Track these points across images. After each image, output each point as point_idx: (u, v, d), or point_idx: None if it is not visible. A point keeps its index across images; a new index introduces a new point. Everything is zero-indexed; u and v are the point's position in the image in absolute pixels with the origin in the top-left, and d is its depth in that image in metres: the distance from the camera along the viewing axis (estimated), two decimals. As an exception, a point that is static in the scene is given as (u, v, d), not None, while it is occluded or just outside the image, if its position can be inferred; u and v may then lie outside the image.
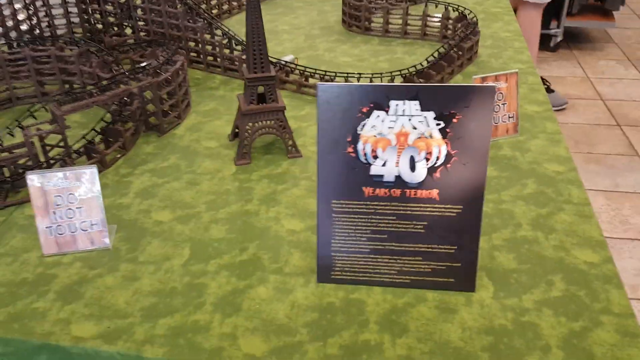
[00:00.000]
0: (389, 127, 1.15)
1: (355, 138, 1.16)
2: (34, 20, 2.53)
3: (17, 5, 2.45)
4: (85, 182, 1.38)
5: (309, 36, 2.83)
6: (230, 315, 1.22)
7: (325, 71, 2.19)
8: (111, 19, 2.56)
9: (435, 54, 2.25)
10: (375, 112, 1.14)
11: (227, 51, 2.35)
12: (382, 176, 1.19)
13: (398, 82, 2.09)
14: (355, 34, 2.85)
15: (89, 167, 1.38)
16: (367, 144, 1.16)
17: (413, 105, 1.13)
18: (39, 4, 2.53)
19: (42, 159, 1.64)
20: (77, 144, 1.73)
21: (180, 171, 1.75)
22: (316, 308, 1.23)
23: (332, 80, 2.13)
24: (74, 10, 2.60)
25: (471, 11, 2.61)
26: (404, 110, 1.13)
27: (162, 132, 1.94)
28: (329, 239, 1.25)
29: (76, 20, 2.62)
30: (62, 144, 1.66)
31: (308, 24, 3.01)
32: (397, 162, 1.17)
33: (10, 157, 1.59)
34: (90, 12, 2.59)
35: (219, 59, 2.40)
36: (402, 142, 1.16)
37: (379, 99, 1.13)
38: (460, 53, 2.32)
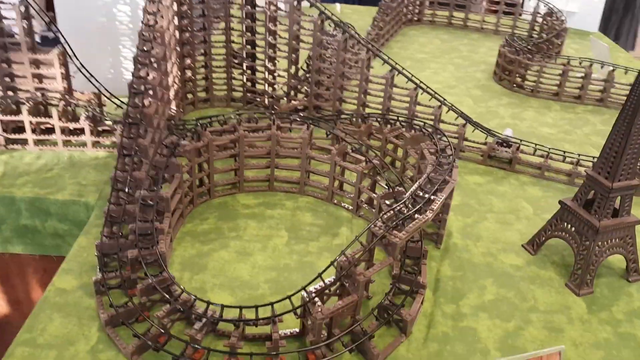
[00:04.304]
0: None
1: None
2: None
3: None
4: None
5: (474, 97, 2.54)
6: None
7: (579, 154, 1.90)
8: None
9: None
10: None
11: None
12: None
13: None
14: (523, 95, 2.61)
15: (556, 349, 1.00)
16: None
17: None
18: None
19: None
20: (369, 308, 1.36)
21: (517, 308, 1.38)
22: None
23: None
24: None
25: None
26: None
27: (439, 242, 1.65)
28: None
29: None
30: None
31: (456, 80, 2.75)
32: None
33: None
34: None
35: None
36: None
37: None
38: None
